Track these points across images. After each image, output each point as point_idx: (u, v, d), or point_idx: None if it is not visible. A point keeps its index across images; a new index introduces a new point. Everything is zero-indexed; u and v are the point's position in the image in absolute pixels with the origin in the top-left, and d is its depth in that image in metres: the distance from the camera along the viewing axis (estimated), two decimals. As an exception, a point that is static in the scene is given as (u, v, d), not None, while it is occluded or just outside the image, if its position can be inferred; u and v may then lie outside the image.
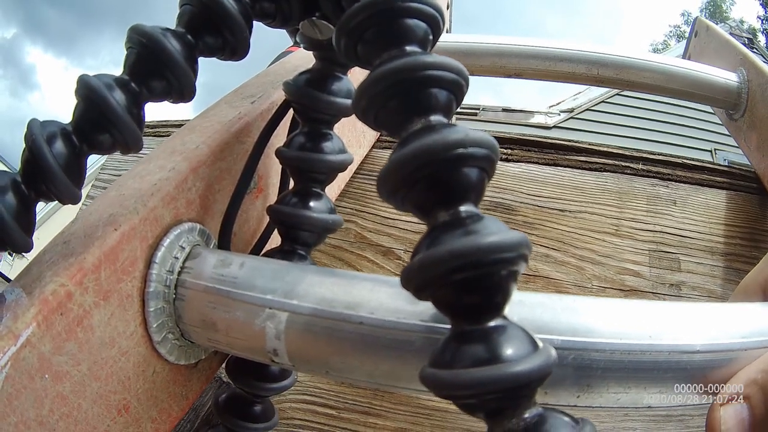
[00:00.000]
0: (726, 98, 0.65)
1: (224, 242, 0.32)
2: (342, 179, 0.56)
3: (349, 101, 0.33)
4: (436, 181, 0.20)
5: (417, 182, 0.20)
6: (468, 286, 0.18)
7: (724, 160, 4.45)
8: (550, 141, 0.59)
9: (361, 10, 0.22)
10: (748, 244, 0.59)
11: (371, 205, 0.56)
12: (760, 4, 14.97)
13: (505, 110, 4.68)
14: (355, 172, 0.58)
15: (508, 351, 0.18)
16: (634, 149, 0.59)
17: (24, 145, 0.24)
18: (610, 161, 0.57)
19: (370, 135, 0.58)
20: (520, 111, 4.39)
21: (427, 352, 0.20)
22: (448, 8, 0.82)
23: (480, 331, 0.18)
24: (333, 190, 0.52)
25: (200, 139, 0.32)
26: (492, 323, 0.19)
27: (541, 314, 0.23)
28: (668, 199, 0.57)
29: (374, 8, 0.22)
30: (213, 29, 0.26)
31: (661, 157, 0.59)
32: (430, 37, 0.23)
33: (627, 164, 0.57)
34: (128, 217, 0.26)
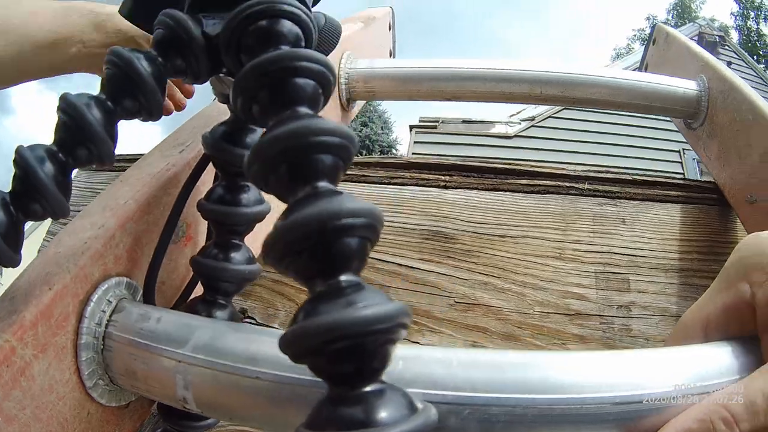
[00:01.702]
0: (684, 107, 0.73)
1: (149, 295, 0.39)
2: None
3: None
4: (316, 251, 0.23)
5: (299, 252, 0.24)
6: (342, 356, 0.22)
7: (693, 159, 4.71)
8: (489, 165, 0.67)
9: (251, 70, 0.28)
10: (706, 258, 0.67)
11: None
12: (734, 0, 16.27)
13: (465, 122, 5.12)
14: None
15: (383, 414, 0.21)
16: (579, 169, 0.68)
17: (14, 169, 0.31)
18: (553, 183, 0.66)
19: None
20: (480, 122, 4.74)
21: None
22: (390, 29, 0.92)
23: (355, 396, 0.22)
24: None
25: (129, 193, 0.40)
26: (368, 388, 0.22)
27: (436, 370, 0.27)
28: (616, 218, 0.65)
29: (264, 69, 0.28)
30: (129, 93, 0.33)
31: (608, 175, 0.67)
32: (321, 96, 0.28)
33: (571, 184, 0.66)
34: (61, 276, 0.34)
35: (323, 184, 0.25)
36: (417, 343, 0.60)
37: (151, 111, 0.34)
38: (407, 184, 0.68)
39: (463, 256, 0.62)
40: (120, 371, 0.35)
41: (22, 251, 0.32)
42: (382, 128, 13.01)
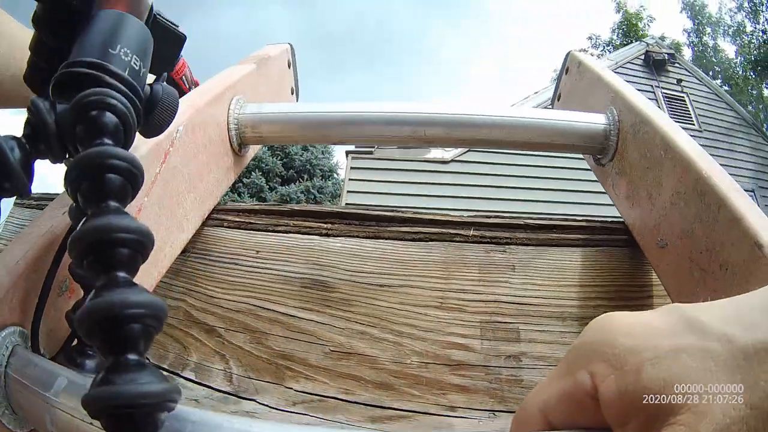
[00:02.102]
0: (590, 144, 0.75)
1: (34, 343, 0.51)
2: (172, 258, 0.70)
3: None
4: (108, 335, 0.31)
5: (97, 335, 0.32)
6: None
7: None
8: (371, 213, 0.72)
9: (73, 166, 0.36)
10: (613, 303, 0.70)
11: (201, 284, 0.72)
12: (687, 17, 16.71)
13: (400, 146, 5.24)
14: (187, 252, 0.73)
15: None
16: (466, 215, 0.72)
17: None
18: (436, 230, 0.71)
19: (196, 215, 0.73)
20: (416, 147, 4.89)
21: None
22: (290, 67, 0.98)
23: None
24: (163, 266, 0.66)
25: (20, 253, 0.51)
26: None
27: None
28: (505, 265, 0.71)
29: (79, 166, 0.35)
30: (4, 178, 0.39)
31: (497, 221, 0.72)
32: (129, 189, 0.36)
33: (456, 231, 0.71)
34: None
35: (123, 275, 0.33)
36: (291, 389, 0.64)
37: (20, 192, 0.40)
38: (291, 232, 0.74)
39: (341, 304, 0.70)
40: (15, 404, 0.46)
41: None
42: (322, 153, 13.49)
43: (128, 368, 0.31)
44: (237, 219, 0.75)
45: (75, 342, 0.53)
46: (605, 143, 0.73)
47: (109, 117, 0.38)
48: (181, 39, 0.56)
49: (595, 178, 0.82)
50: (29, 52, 0.49)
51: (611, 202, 0.77)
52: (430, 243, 0.70)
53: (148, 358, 0.72)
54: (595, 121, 0.75)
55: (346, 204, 5.24)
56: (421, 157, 5.05)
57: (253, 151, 0.89)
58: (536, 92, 6.75)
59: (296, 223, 0.73)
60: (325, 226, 0.72)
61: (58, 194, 0.87)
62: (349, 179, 5.40)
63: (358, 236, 0.71)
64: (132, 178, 0.37)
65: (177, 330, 0.70)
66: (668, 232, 0.62)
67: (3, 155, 0.40)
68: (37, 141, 0.42)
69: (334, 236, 0.72)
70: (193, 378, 0.66)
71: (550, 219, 0.75)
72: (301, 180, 12.30)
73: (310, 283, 0.69)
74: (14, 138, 0.41)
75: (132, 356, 0.32)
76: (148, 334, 0.32)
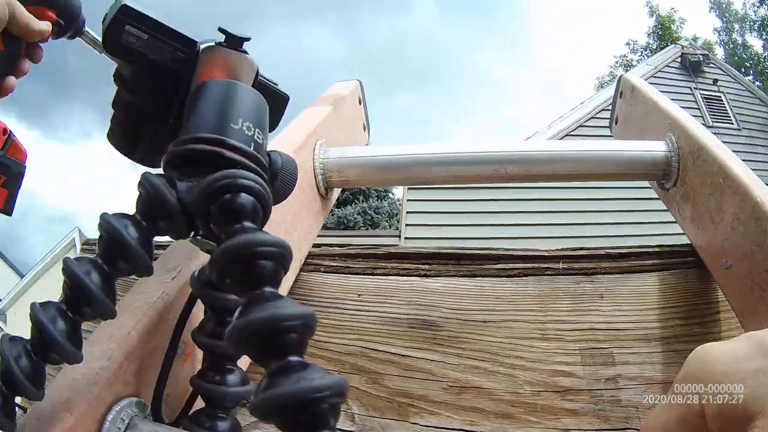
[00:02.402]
0: (653, 171, 0.76)
1: (156, 411, 0.45)
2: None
3: None
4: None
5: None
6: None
7: None
8: (465, 252, 0.72)
9: (222, 254, 0.35)
10: (687, 322, 0.70)
11: None
12: (716, 15, 16.44)
13: (410, 186, 5.19)
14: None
15: None
16: (553, 248, 0.72)
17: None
18: (528, 265, 0.70)
19: (294, 262, 0.71)
20: (425, 184, 4.93)
21: None
22: (360, 103, 0.98)
23: None
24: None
25: (130, 324, 0.46)
26: None
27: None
28: (594, 293, 0.69)
29: (232, 254, 0.35)
30: (121, 257, 0.39)
31: (583, 252, 0.72)
32: (281, 273, 0.36)
33: (547, 266, 0.70)
34: (79, 403, 0.40)
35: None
36: (416, 424, 0.64)
37: (143, 271, 0.40)
38: (390, 274, 0.73)
39: (451, 342, 0.66)
40: None
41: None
42: (377, 196, 13.05)
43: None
44: (333, 263, 0.74)
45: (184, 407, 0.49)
46: (668, 169, 0.75)
47: (246, 198, 0.38)
48: (284, 99, 0.53)
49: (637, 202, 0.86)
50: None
51: (648, 220, 0.81)
52: (524, 278, 0.70)
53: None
54: (657, 148, 0.76)
55: (407, 225, 5.36)
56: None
57: (336, 193, 0.86)
58: (582, 103, 6.72)
59: (394, 266, 0.73)
60: (423, 267, 0.71)
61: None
62: (407, 212, 5.47)
63: (456, 275, 0.70)
64: (284, 262, 0.36)
65: None
66: (731, 254, 0.65)
67: (119, 236, 0.38)
68: (156, 219, 0.40)
69: (433, 276, 0.71)
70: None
71: (628, 248, 0.74)
72: (357, 201, 12.01)
73: (417, 323, 0.68)
74: (127, 216, 0.39)
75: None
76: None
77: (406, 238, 5.29)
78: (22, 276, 13.93)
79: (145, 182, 0.40)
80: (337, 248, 0.76)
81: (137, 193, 0.41)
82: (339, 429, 0.63)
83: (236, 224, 0.37)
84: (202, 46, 0.47)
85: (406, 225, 5.42)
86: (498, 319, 0.69)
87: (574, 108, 6.61)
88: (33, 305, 0.38)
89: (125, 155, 0.48)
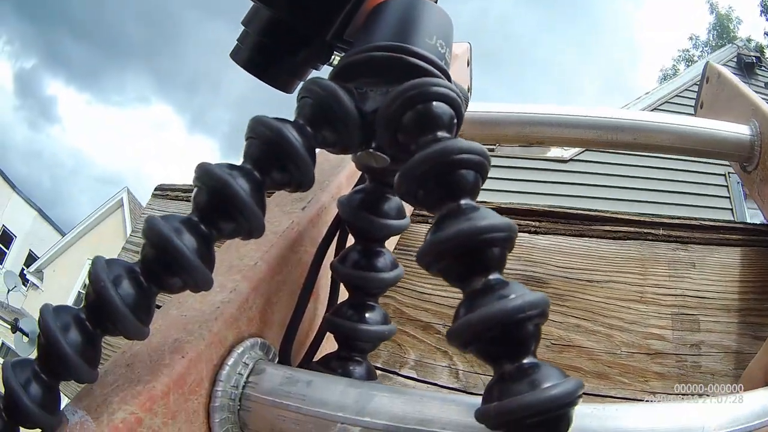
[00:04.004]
0: (738, 152, 0.74)
1: (285, 356, 0.36)
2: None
3: (400, 222, 0.38)
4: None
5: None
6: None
7: (738, 183, 4.79)
8: (576, 212, 0.68)
9: (420, 162, 0.29)
10: (761, 297, 0.66)
11: (408, 281, 0.64)
12: (766, 19, 15.31)
13: (521, 145, 5.01)
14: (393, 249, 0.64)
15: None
16: (654, 215, 0.68)
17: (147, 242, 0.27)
18: (632, 229, 0.66)
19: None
20: (537, 145, 4.77)
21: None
22: (468, 65, 0.92)
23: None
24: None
25: (258, 254, 0.36)
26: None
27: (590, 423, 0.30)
28: (687, 262, 0.64)
29: (434, 161, 0.29)
30: (279, 164, 0.30)
31: (679, 221, 0.67)
32: (480, 185, 0.30)
33: (648, 231, 0.66)
34: (194, 343, 0.30)
35: (494, 277, 0.28)
36: None
37: (302, 183, 0.31)
38: None
39: (556, 299, 0.60)
40: (262, 431, 0.33)
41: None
42: None
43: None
44: None
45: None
46: (751, 152, 0.72)
47: (443, 108, 0.31)
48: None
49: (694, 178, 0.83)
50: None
51: (708, 204, 0.79)
52: (627, 241, 0.66)
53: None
54: (742, 131, 0.73)
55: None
56: (540, 156, 4.85)
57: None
58: (647, 93, 6.36)
59: (505, 221, 0.71)
60: (533, 224, 0.68)
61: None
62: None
63: (564, 234, 0.67)
64: (483, 172, 0.30)
65: (404, 335, 0.62)
66: (805, 236, 0.56)
67: (287, 142, 0.31)
68: (324, 127, 0.33)
69: (542, 234, 0.67)
70: (414, 376, 0.60)
71: (717, 221, 0.71)
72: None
73: (523, 279, 0.63)
74: (294, 124, 0.32)
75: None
76: (538, 333, 0.27)
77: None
78: (63, 235, 13.47)
79: (314, 86, 0.32)
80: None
81: (301, 98, 0.33)
82: (442, 386, 0.58)
83: (432, 134, 0.31)
84: None
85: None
86: (601, 279, 0.63)
87: (639, 98, 6.30)
88: (98, 261, 0.28)
89: (255, 74, 0.38)
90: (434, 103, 0.31)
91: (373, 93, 0.34)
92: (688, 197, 4.63)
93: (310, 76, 0.38)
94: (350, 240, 0.43)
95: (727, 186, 4.77)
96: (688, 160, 4.64)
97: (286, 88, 0.40)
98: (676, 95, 5.13)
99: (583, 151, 4.73)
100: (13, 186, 13.16)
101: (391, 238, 0.52)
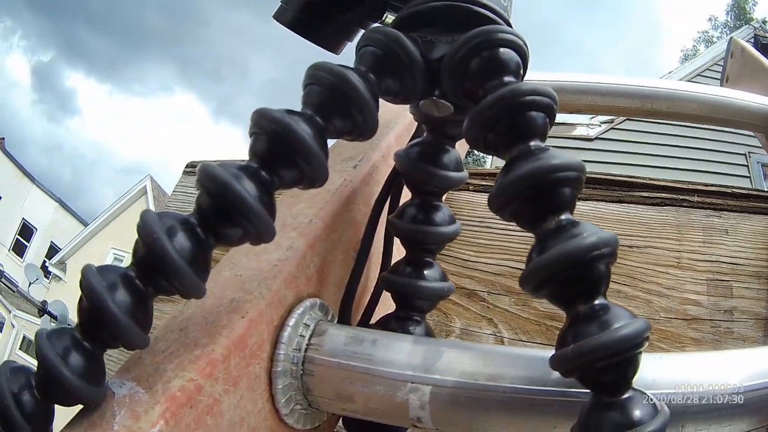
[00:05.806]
0: (764, 123, 0.74)
1: (345, 316, 0.34)
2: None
3: (459, 174, 0.36)
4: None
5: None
6: (609, 369, 0.24)
7: (758, 163, 4.74)
8: (615, 178, 0.65)
9: (492, 104, 0.27)
10: None
11: (454, 248, 0.62)
12: None
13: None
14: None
15: (637, 415, 0.23)
16: (689, 182, 0.66)
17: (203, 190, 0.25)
18: (669, 195, 0.64)
19: None
20: (563, 123, 4.44)
21: (564, 414, 0.26)
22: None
23: (617, 402, 0.24)
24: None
25: (312, 211, 0.34)
26: (626, 395, 0.24)
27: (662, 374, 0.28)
28: (721, 228, 0.63)
29: (504, 103, 0.27)
30: (342, 110, 0.28)
31: (713, 188, 0.65)
32: (548, 126, 0.28)
33: (684, 197, 0.64)
34: (254, 303, 0.28)
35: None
36: None
37: (364, 131, 0.29)
38: None
39: None
40: (327, 395, 0.30)
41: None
42: None
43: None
44: (483, 183, 0.67)
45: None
46: None
47: (510, 54, 0.30)
48: None
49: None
50: None
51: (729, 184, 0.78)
52: (664, 207, 0.64)
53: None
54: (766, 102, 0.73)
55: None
56: (566, 134, 4.64)
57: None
58: (670, 72, 6.22)
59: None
60: None
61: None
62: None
63: (603, 200, 0.64)
64: (551, 114, 0.28)
65: (450, 303, 0.61)
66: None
67: (352, 87, 0.28)
68: (388, 75, 0.31)
69: (583, 199, 0.64)
70: (461, 344, 0.56)
71: (748, 189, 0.68)
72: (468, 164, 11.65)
73: None
74: (357, 71, 0.30)
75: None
76: (609, 273, 0.25)
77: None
78: (86, 225, 13.26)
79: (378, 34, 0.30)
80: (488, 168, 0.68)
81: (362, 47, 0.31)
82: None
83: (499, 79, 0.29)
84: None
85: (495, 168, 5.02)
86: (640, 245, 0.61)
87: (662, 77, 5.99)
88: (147, 214, 0.25)
89: (300, 34, 0.36)
90: (501, 49, 0.30)
91: (438, 41, 0.32)
92: (709, 176, 4.46)
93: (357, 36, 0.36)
94: (404, 198, 0.40)
95: (747, 165, 4.62)
96: (710, 139, 4.50)
97: (334, 48, 0.39)
98: (698, 74, 5.03)
99: (608, 130, 4.61)
100: (32, 178, 13.04)
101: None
